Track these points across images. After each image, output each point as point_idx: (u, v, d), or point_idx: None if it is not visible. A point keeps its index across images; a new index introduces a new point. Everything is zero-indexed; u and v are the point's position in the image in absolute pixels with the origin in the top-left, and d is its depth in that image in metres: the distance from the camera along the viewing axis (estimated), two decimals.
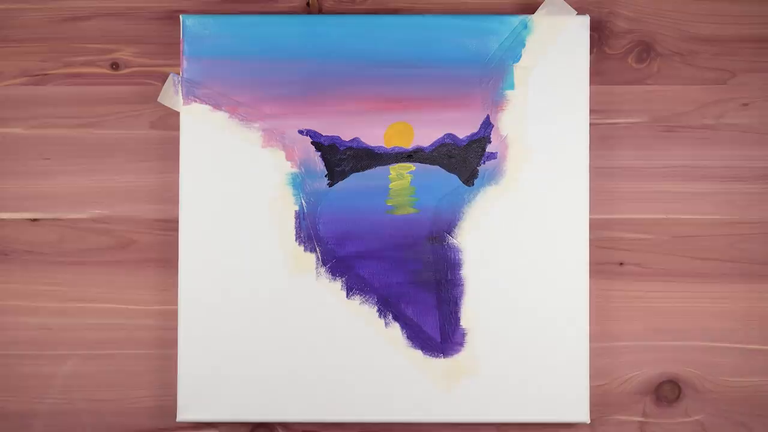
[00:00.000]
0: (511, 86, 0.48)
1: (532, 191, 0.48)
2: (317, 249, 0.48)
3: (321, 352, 0.48)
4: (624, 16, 0.50)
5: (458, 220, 0.48)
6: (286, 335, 0.48)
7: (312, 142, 0.48)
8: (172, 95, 0.48)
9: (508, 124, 0.48)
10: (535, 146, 0.48)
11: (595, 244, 0.48)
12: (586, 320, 0.47)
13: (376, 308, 0.48)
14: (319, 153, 0.48)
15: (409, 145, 0.48)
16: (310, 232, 0.48)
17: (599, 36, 0.49)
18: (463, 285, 0.48)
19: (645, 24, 0.50)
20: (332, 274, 0.48)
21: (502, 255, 0.47)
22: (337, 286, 0.48)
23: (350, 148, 0.48)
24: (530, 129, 0.48)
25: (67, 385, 0.49)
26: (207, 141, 0.48)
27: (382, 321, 0.48)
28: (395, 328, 0.48)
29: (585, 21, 0.48)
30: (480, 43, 0.48)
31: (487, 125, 0.48)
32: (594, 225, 0.48)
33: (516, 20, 0.48)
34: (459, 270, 0.48)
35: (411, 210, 0.48)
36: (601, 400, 0.49)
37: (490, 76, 0.48)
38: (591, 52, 0.49)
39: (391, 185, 0.48)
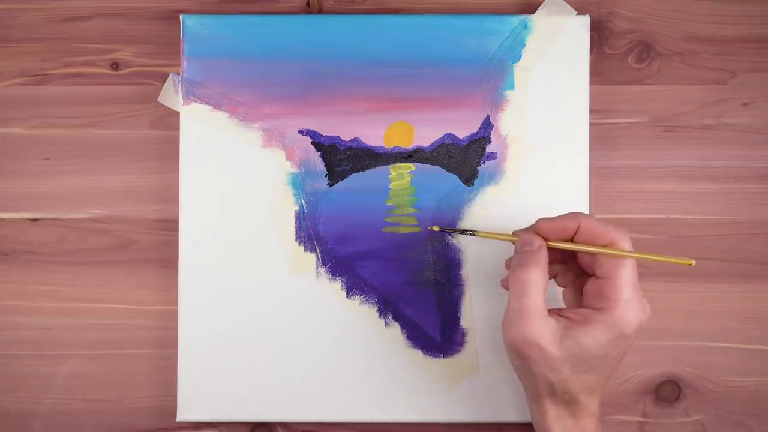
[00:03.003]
0: (511, 86, 0.48)
1: (532, 191, 0.48)
2: (317, 249, 0.48)
3: (321, 352, 0.48)
4: (624, 16, 0.50)
5: (458, 220, 0.48)
6: (286, 335, 0.48)
7: (312, 142, 0.48)
8: (172, 95, 0.48)
9: (508, 124, 0.48)
10: (535, 146, 0.48)
11: None
12: None
13: (376, 308, 0.48)
14: (319, 153, 0.48)
15: (409, 145, 0.48)
16: (310, 232, 0.48)
17: (599, 36, 0.49)
18: (463, 285, 0.48)
19: (645, 24, 0.50)
20: (332, 274, 0.48)
21: (502, 255, 0.47)
22: (337, 286, 0.48)
23: (350, 148, 0.48)
24: (530, 129, 0.48)
25: (67, 385, 0.49)
26: (207, 141, 0.48)
27: (382, 321, 0.48)
28: (395, 328, 0.48)
29: (585, 21, 0.48)
30: (480, 43, 0.48)
31: (487, 125, 0.48)
32: None
33: (516, 20, 0.48)
34: (459, 270, 0.48)
35: (411, 210, 0.48)
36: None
37: (490, 76, 0.48)
38: (591, 52, 0.49)
39: (391, 185, 0.48)
